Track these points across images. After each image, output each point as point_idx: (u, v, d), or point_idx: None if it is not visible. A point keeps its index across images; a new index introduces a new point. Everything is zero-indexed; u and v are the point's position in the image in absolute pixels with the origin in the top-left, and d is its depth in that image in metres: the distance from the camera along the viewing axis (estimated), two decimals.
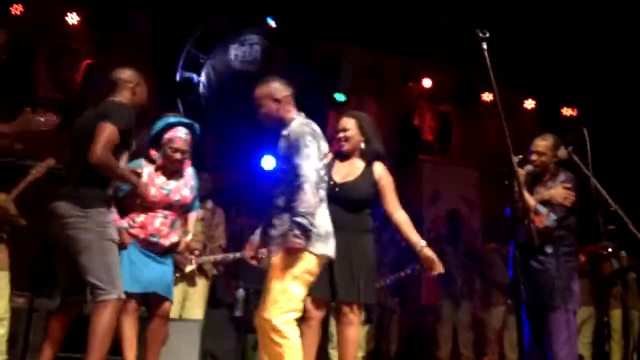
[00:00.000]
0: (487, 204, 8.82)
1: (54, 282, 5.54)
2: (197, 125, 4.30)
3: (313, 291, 3.59)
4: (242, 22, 8.30)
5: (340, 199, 3.83)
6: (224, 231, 5.95)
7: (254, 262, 3.79)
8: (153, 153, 4.20)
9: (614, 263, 6.64)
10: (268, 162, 7.83)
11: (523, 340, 2.70)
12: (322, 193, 3.43)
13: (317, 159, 3.33)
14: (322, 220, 3.38)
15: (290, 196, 3.29)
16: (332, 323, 5.30)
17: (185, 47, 8.07)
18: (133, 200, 4.03)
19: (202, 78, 8.10)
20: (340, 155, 4.10)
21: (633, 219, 3.82)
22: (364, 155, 4.11)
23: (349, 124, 4.10)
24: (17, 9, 7.25)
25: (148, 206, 4.09)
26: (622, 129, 7.90)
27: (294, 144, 3.32)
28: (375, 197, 4.02)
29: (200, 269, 5.55)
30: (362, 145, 4.10)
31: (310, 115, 8.42)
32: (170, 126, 4.17)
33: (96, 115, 3.52)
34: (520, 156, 4.24)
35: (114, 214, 3.86)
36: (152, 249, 4.09)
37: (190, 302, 5.51)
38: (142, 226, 4.06)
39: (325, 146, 3.47)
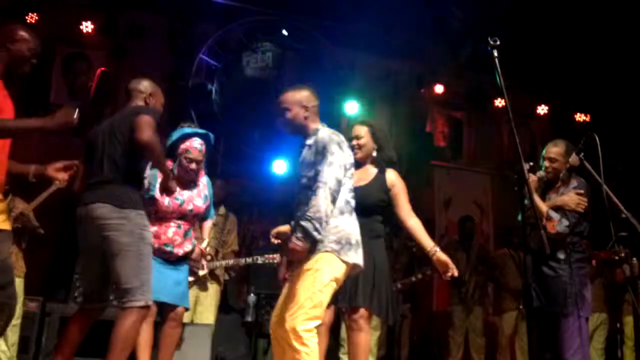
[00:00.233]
0: (499, 210, 8.80)
1: (68, 286, 5.64)
2: (212, 136, 4.36)
3: None
4: (255, 30, 8.35)
5: None
6: (236, 237, 6.00)
7: (275, 241, 3.83)
8: (169, 163, 4.25)
9: (626, 269, 6.61)
10: (279, 167, 7.87)
11: (535, 347, 2.69)
12: (353, 202, 3.45)
13: (340, 168, 3.33)
14: (352, 228, 3.40)
15: None
16: (344, 328, 5.31)
17: (199, 54, 8.13)
18: (147, 210, 4.07)
19: (215, 85, 8.15)
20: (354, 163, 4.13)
21: None
22: (376, 162, 4.14)
23: (362, 132, 4.12)
24: (32, 18, 7.34)
25: (162, 216, 4.13)
26: (636, 135, 7.85)
27: (322, 151, 3.34)
28: (386, 204, 4.03)
29: (212, 274, 5.59)
30: (375, 153, 4.13)
31: (323, 121, 8.46)
32: (186, 137, 4.23)
33: (126, 116, 3.58)
34: (531, 163, 4.24)
35: None
36: (167, 257, 4.13)
37: (202, 307, 5.54)
38: (156, 236, 4.09)
39: (351, 157, 3.49)
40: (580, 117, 9.18)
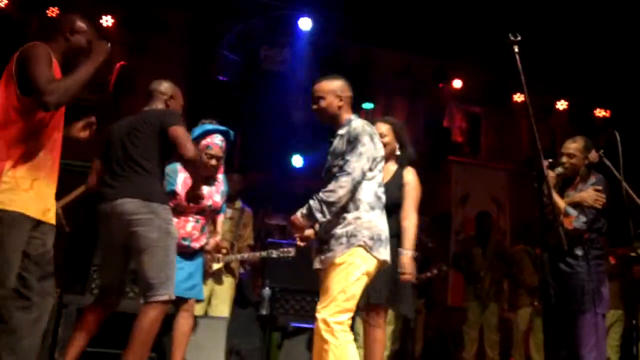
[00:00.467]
0: (516, 206, 8.77)
1: (85, 278, 5.71)
2: (232, 132, 4.40)
3: None
4: (275, 24, 8.37)
5: None
6: (251, 231, 6.03)
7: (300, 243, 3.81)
8: None
9: None
10: (297, 161, 7.90)
11: (550, 343, 2.69)
12: (384, 198, 3.46)
13: (368, 160, 3.34)
14: (383, 225, 3.40)
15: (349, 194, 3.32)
16: (358, 322, 5.33)
17: (218, 49, 8.17)
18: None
19: (234, 79, 8.19)
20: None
21: None
22: (397, 161, 4.16)
23: (385, 130, 4.12)
24: (53, 12, 7.42)
25: (181, 210, 4.17)
26: None
27: (352, 142, 3.33)
28: (402, 201, 4.04)
29: (228, 268, 5.63)
30: (397, 152, 4.14)
31: None
32: (207, 133, 4.28)
33: (153, 118, 3.62)
34: (551, 160, 4.22)
35: None
36: (183, 251, 4.18)
37: (217, 300, 5.58)
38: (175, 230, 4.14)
39: (382, 150, 3.49)
40: (600, 112, 9.10)
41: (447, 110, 9.01)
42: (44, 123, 2.86)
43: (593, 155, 4.04)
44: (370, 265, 3.32)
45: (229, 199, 5.71)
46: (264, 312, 6.03)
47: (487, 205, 8.47)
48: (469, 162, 9.02)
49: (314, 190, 7.74)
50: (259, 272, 6.40)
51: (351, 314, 3.25)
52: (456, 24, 8.22)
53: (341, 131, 3.47)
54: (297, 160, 7.88)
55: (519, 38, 2.86)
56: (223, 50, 8.21)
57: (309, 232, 4.31)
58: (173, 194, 4.14)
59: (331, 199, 3.23)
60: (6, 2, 7.44)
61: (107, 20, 7.79)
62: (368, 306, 3.91)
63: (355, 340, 5.78)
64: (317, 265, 3.44)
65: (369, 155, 3.34)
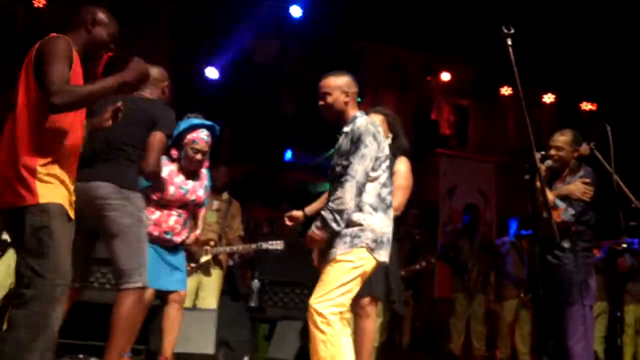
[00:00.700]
0: (502, 198, 8.83)
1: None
2: (217, 127, 4.39)
3: None
4: (263, 16, 8.34)
5: None
6: (241, 222, 6.03)
7: (288, 222, 3.85)
8: (174, 152, 4.28)
9: (628, 258, 6.65)
10: (287, 154, 7.90)
11: (538, 334, 2.71)
12: (389, 199, 3.44)
13: (370, 161, 3.32)
14: (387, 227, 3.39)
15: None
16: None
17: (206, 40, 8.13)
18: (148, 196, 4.09)
19: (220, 71, 8.16)
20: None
21: None
22: (390, 151, 4.16)
23: (378, 121, 4.11)
24: (39, 2, 7.35)
25: (164, 204, 4.16)
26: None
27: (355, 142, 3.32)
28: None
29: (215, 259, 5.62)
30: (390, 142, 4.15)
31: None
32: (193, 128, 4.26)
33: (146, 115, 3.59)
34: (543, 152, 4.24)
35: None
36: (166, 244, 4.17)
37: (204, 292, 5.57)
38: (157, 223, 4.11)
39: (386, 149, 3.47)
40: (586, 106, 9.17)
41: (435, 103, 9.03)
42: (68, 118, 2.78)
43: (584, 148, 4.06)
44: (369, 266, 3.34)
45: (216, 190, 5.71)
46: (252, 304, 6.04)
47: (474, 197, 8.52)
48: (456, 154, 9.07)
49: (303, 183, 7.73)
50: (248, 264, 6.40)
51: (345, 308, 3.27)
52: (444, 17, 8.25)
53: (346, 128, 3.45)
54: (288, 154, 7.86)
55: (512, 31, 2.87)
56: (209, 41, 8.17)
57: (297, 213, 4.33)
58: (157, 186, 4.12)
59: (341, 207, 3.24)
60: None
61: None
62: (360, 297, 3.93)
63: None
64: (316, 262, 3.46)
65: (372, 155, 3.32)
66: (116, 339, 3.41)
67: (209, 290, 5.58)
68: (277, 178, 7.95)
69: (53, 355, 2.71)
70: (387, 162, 3.47)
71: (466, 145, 9.24)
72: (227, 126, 7.72)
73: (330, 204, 3.27)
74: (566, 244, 4.14)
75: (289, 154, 8.13)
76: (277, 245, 5.45)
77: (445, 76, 8.82)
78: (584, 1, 7.54)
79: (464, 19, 8.39)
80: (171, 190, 4.14)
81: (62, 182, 2.75)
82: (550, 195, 4.18)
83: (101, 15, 2.96)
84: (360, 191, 3.30)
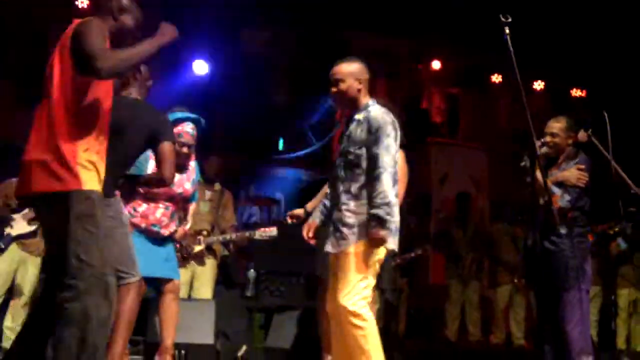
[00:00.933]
0: (494, 185, 8.87)
1: None
2: (203, 120, 4.39)
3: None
4: (253, 6, 8.29)
5: None
6: (233, 212, 6.03)
7: (312, 242, 3.81)
8: None
9: (621, 243, 6.72)
10: (279, 144, 7.88)
11: (538, 320, 2.73)
12: (396, 188, 3.44)
13: (395, 151, 3.35)
14: (396, 216, 3.38)
15: (364, 184, 3.34)
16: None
17: (196, 30, 8.06)
18: (136, 189, 4.08)
19: (209, 62, 8.10)
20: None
21: None
22: None
23: None
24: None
25: (151, 197, 4.16)
26: (632, 110, 7.88)
27: (375, 132, 3.33)
28: None
29: (209, 249, 5.63)
30: None
31: (318, 97, 8.42)
32: (178, 121, 4.25)
33: (143, 125, 3.57)
34: (543, 140, 4.27)
35: None
36: (154, 237, 4.17)
37: (198, 282, 5.58)
38: (144, 216, 4.12)
39: (399, 138, 3.47)
40: (576, 92, 9.21)
41: (426, 91, 9.04)
42: (100, 104, 2.76)
43: (582, 135, 4.09)
44: (381, 254, 3.37)
45: (208, 181, 5.71)
46: (248, 293, 6.07)
47: (465, 185, 8.56)
48: (447, 142, 9.10)
49: (295, 172, 7.71)
50: (244, 254, 6.41)
51: (370, 299, 3.31)
52: (434, 5, 8.24)
53: (358, 116, 3.45)
54: (279, 143, 7.84)
55: (510, 20, 2.88)
56: (200, 30, 8.11)
57: (298, 211, 4.35)
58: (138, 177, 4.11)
59: (387, 200, 3.25)
60: None
61: (82, 2, 7.65)
62: None
63: None
64: (328, 248, 3.47)
65: (395, 145, 3.36)
66: (122, 333, 3.47)
67: (203, 280, 5.59)
68: (270, 168, 7.95)
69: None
70: (399, 154, 3.49)
71: (457, 133, 9.27)
72: (220, 117, 7.69)
73: (376, 200, 3.25)
74: (563, 230, 4.17)
75: (280, 144, 8.12)
76: (271, 232, 5.45)
77: (436, 64, 8.82)
78: None
79: (453, 6, 8.39)
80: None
81: (98, 170, 2.72)
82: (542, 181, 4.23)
83: (126, 2, 2.93)
84: (395, 180, 3.33)
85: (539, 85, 9.05)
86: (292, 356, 5.26)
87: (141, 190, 4.07)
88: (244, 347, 5.38)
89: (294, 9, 8.10)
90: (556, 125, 4.35)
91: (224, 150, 7.18)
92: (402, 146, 4.21)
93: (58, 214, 2.61)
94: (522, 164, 4.23)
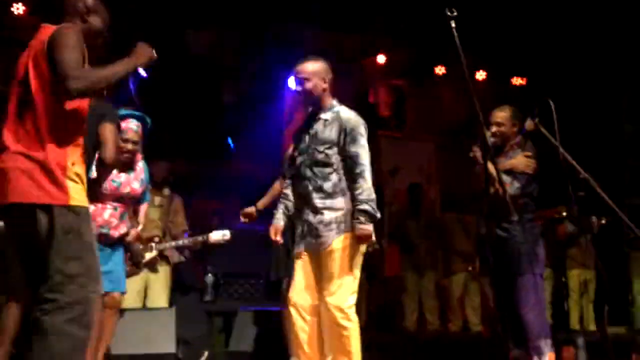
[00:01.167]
0: (444, 175, 9.01)
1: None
2: (148, 119, 4.32)
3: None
4: (196, 6, 8.19)
5: None
6: (184, 217, 5.97)
7: (278, 244, 3.82)
8: None
9: (568, 226, 6.92)
10: (228, 146, 7.81)
11: (496, 305, 2.80)
12: None
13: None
14: None
15: (338, 181, 3.43)
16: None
17: (137, 32, 7.92)
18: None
19: (157, 64, 7.97)
20: None
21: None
22: None
23: None
24: None
25: (97, 197, 4.07)
26: (571, 98, 8.12)
27: (350, 133, 3.43)
28: None
29: (162, 256, 5.56)
30: None
31: (267, 96, 8.38)
32: (122, 118, 4.17)
33: (94, 112, 3.43)
34: (489, 129, 4.36)
35: None
36: (102, 240, 4.08)
37: (153, 290, 5.51)
38: (92, 218, 4.03)
39: None
40: (517, 81, 9.42)
41: (372, 85, 9.11)
42: (80, 109, 2.69)
43: (529, 124, 4.19)
44: (364, 247, 3.49)
45: (156, 186, 5.63)
46: (208, 298, 6.02)
47: (416, 176, 8.66)
48: (396, 135, 9.18)
49: (247, 172, 7.63)
50: (199, 258, 6.35)
51: (356, 295, 3.39)
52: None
53: (325, 116, 3.52)
54: (229, 145, 7.77)
55: (456, 13, 2.93)
56: (142, 33, 7.96)
57: (250, 210, 4.36)
58: (89, 180, 4.03)
59: (372, 196, 3.39)
60: None
61: (18, 8, 7.44)
62: None
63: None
64: (299, 249, 3.49)
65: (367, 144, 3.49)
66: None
67: (157, 288, 5.52)
68: (221, 169, 7.87)
69: None
70: None
71: (405, 125, 9.36)
72: (166, 120, 7.58)
73: (362, 197, 3.36)
74: (514, 217, 4.27)
75: (230, 144, 8.05)
76: (224, 235, 5.42)
77: (381, 58, 8.89)
78: None
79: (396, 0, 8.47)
80: (103, 183, 4.06)
81: (83, 182, 2.66)
82: (493, 171, 4.32)
83: (93, 3, 2.86)
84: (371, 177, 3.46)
85: (480, 75, 9.21)
86: (255, 359, 5.26)
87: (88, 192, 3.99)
88: (206, 353, 5.34)
89: (238, 6, 8.06)
90: (501, 115, 4.47)
91: (171, 154, 7.07)
92: None
93: (41, 227, 2.54)
94: (471, 154, 4.34)
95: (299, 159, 3.54)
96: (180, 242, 5.55)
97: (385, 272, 8.27)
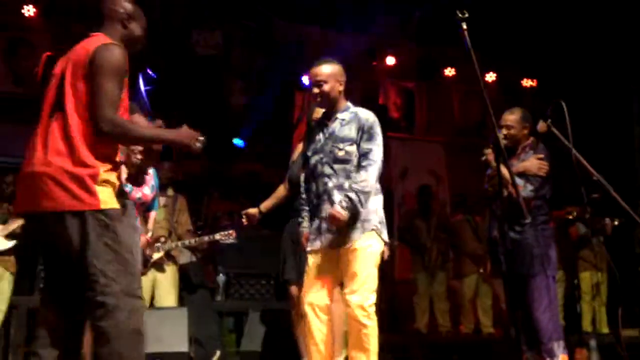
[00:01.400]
0: (453, 177, 9.00)
1: (32, 277, 5.57)
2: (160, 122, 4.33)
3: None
4: (202, 7, 8.22)
5: None
6: (188, 216, 5.99)
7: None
8: None
9: (580, 227, 6.89)
10: (237, 146, 7.83)
11: (509, 307, 2.79)
12: (378, 183, 3.56)
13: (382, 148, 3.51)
14: (382, 210, 3.56)
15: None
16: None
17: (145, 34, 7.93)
18: None
19: (165, 66, 8.00)
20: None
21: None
22: None
23: None
24: None
25: None
26: (582, 99, 8.10)
27: (368, 130, 3.46)
28: None
29: (168, 256, 5.57)
30: None
31: (276, 96, 8.38)
32: None
33: None
34: (505, 132, 4.34)
35: None
36: None
37: (160, 290, 5.51)
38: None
39: None
40: (527, 82, 9.40)
41: (382, 87, 9.11)
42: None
43: (541, 126, 4.17)
44: (382, 247, 3.49)
45: (161, 187, 5.65)
46: (219, 298, 6.03)
47: (425, 178, 8.66)
48: (405, 137, 9.18)
49: (256, 173, 7.62)
50: (209, 258, 6.37)
51: (376, 294, 3.43)
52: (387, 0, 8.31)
53: (342, 115, 3.55)
54: (238, 145, 7.79)
55: (467, 15, 2.93)
56: (150, 35, 7.97)
57: (253, 210, 4.37)
58: None
59: (367, 189, 3.38)
60: None
61: (28, 10, 7.48)
62: None
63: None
64: (316, 246, 3.50)
65: (382, 144, 3.51)
66: None
67: (164, 287, 5.53)
68: (230, 170, 7.89)
69: None
70: None
71: (414, 127, 9.36)
72: (175, 122, 7.58)
73: (356, 186, 3.37)
74: (527, 219, 4.26)
75: (239, 144, 8.07)
76: (230, 235, 5.43)
77: (390, 60, 8.90)
78: None
79: (404, 1, 8.47)
80: None
81: (115, 184, 2.65)
82: (507, 173, 4.31)
83: (133, 9, 2.82)
84: (379, 176, 3.46)
85: (490, 77, 9.19)
86: (267, 359, 5.26)
87: None
88: (218, 352, 5.36)
89: (244, 5, 8.07)
90: (511, 118, 4.45)
91: (179, 155, 7.09)
92: None
93: (76, 234, 2.55)
94: (483, 158, 4.33)
95: (314, 159, 3.56)
96: (186, 242, 5.58)
97: (396, 274, 8.28)
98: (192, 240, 5.57)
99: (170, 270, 5.60)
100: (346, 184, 3.44)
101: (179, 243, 5.55)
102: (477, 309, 7.30)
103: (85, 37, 2.74)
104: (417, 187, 8.01)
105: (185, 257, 5.98)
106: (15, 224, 5.41)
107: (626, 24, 7.73)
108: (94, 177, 2.56)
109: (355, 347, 3.38)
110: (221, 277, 5.99)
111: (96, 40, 2.67)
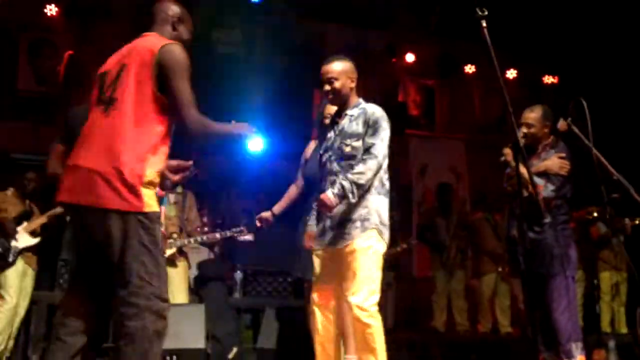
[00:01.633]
0: (473, 175, 8.94)
1: (53, 273, 5.65)
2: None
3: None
4: (223, 5, 8.24)
5: None
6: (197, 213, 6.03)
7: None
8: None
9: (601, 227, 6.81)
10: (255, 144, 7.83)
11: (527, 307, 2.76)
12: (388, 184, 3.54)
13: (387, 145, 3.47)
14: (386, 211, 3.51)
15: None
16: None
17: None
18: None
19: None
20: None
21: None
22: None
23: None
24: None
25: None
26: (603, 96, 8.00)
27: (373, 125, 3.44)
28: None
29: (180, 251, 5.61)
30: None
31: (295, 94, 8.38)
32: None
33: None
34: (519, 131, 4.29)
35: None
36: None
37: (172, 286, 5.52)
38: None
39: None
40: (548, 79, 9.30)
41: (401, 84, 9.08)
42: (170, 126, 2.73)
43: (562, 124, 4.12)
44: (384, 247, 3.45)
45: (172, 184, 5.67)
46: (237, 295, 6.06)
47: (445, 175, 8.62)
48: (425, 134, 9.14)
49: (274, 172, 7.65)
50: (227, 255, 6.40)
51: (379, 295, 3.37)
52: None
53: (351, 112, 3.54)
54: (256, 143, 7.79)
55: (487, 13, 2.90)
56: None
57: (266, 214, 4.37)
58: None
59: (361, 181, 3.34)
60: None
61: (51, 10, 7.57)
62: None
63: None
64: (321, 245, 3.50)
65: (388, 140, 3.47)
66: None
67: (176, 283, 5.56)
68: (249, 168, 7.90)
69: None
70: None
71: (434, 124, 9.31)
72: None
73: (351, 176, 3.34)
74: (547, 219, 4.22)
75: (260, 144, 8.07)
76: (242, 232, 5.45)
77: (410, 57, 8.87)
78: None
79: None
80: None
81: (156, 186, 2.71)
82: (525, 173, 4.26)
83: (182, 12, 2.88)
84: (379, 171, 3.42)
85: (511, 74, 9.12)
86: (283, 356, 5.27)
87: None
88: (235, 349, 5.38)
89: (265, 4, 8.08)
90: (531, 116, 4.39)
91: (200, 151, 7.12)
92: None
93: (117, 232, 2.59)
94: (502, 159, 4.28)
95: (326, 156, 3.57)
96: (198, 238, 5.61)
97: (414, 272, 8.26)
98: (205, 237, 5.62)
99: (182, 266, 5.65)
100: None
101: (191, 239, 5.59)
102: (495, 308, 7.25)
103: (139, 37, 2.80)
104: (436, 185, 7.97)
105: (203, 254, 6.02)
106: (38, 222, 5.50)
107: None
108: (141, 179, 2.60)
109: (362, 348, 3.35)
110: (238, 274, 6.01)
111: (156, 40, 2.72)
